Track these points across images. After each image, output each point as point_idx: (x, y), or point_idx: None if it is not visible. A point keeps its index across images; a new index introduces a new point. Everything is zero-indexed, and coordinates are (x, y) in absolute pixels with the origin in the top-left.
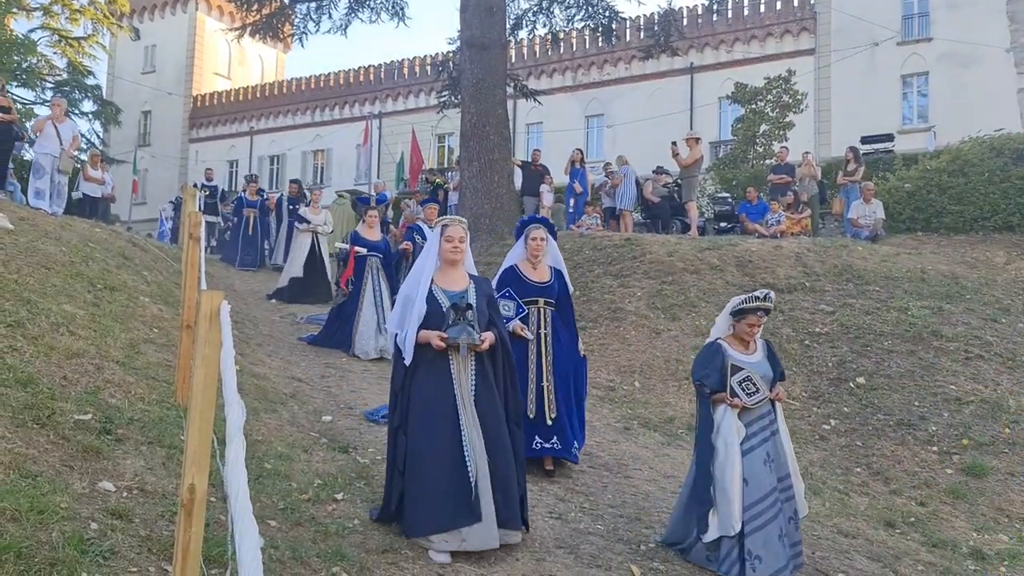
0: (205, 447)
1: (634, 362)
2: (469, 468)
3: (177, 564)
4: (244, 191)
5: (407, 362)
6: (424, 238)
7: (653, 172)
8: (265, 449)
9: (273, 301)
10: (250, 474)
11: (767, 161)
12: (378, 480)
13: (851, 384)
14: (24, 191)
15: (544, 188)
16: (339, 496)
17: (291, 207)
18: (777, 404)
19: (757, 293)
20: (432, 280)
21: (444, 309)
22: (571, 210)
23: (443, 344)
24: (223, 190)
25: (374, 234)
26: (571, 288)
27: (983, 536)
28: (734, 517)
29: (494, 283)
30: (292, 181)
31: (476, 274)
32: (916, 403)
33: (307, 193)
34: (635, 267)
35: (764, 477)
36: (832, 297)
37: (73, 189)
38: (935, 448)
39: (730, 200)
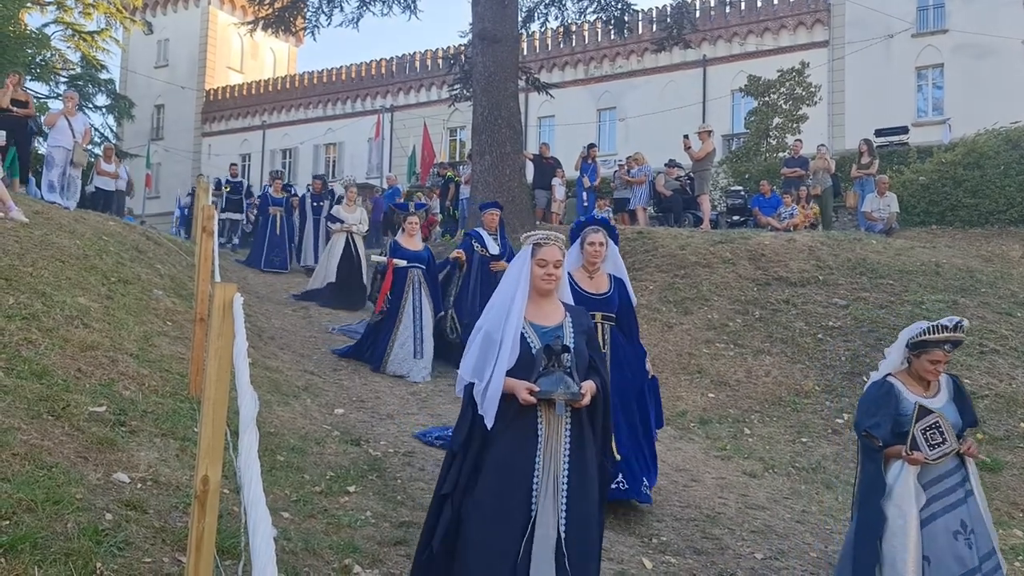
0: (218, 439)
1: None
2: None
3: (191, 555)
4: (269, 187)
5: (488, 425)
6: (484, 246)
7: (665, 165)
8: (278, 441)
9: (291, 298)
10: (263, 466)
11: (780, 154)
12: (390, 472)
13: (864, 378)
14: (39, 185)
15: (556, 182)
16: (351, 489)
17: (315, 204)
18: (968, 459)
19: (945, 321)
20: None
21: (534, 352)
22: (585, 204)
23: (532, 399)
24: (248, 186)
25: (414, 243)
26: (635, 300)
27: (998, 530)
28: None
29: None
30: (316, 177)
31: (571, 302)
32: None
33: (334, 189)
34: (647, 261)
35: (953, 555)
36: (846, 291)
37: (87, 183)
38: None
39: (743, 193)
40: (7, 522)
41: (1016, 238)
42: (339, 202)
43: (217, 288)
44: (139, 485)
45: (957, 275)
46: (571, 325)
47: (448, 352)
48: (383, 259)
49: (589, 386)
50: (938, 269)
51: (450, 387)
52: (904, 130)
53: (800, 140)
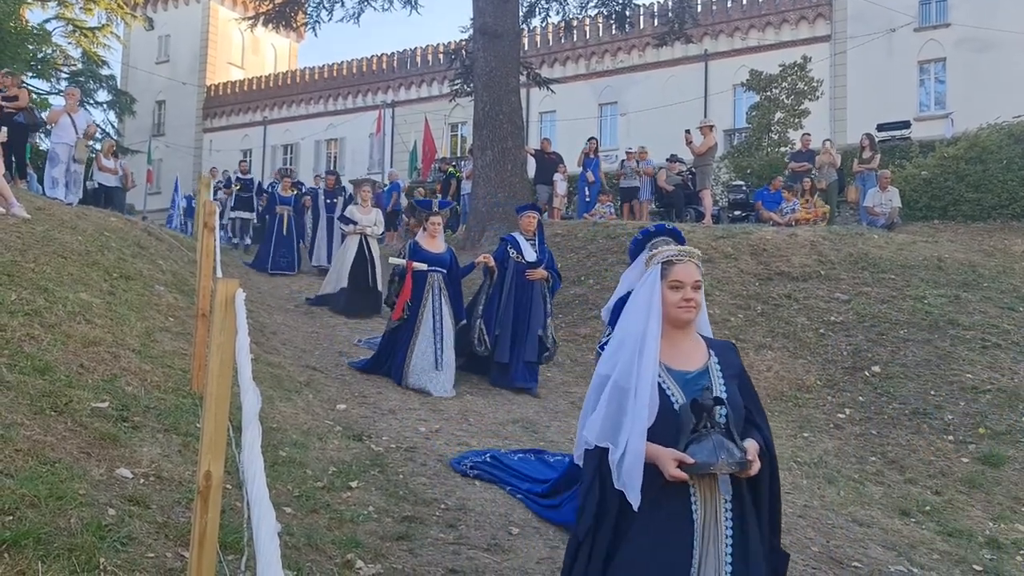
0: (221, 434)
1: None
2: None
3: (194, 550)
4: (277, 185)
5: (634, 504)
6: (520, 252)
7: (667, 160)
8: (280, 437)
9: (305, 301)
10: (265, 461)
11: (782, 149)
12: (392, 468)
13: (866, 373)
14: (40, 181)
15: (558, 177)
16: (354, 484)
17: (328, 201)
18: None
19: None
20: None
21: (677, 408)
22: (587, 199)
23: (682, 475)
24: (259, 183)
25: (436, 245)
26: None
27: (999, 525)
28: None
29: (606, 316)
30: (328, 172)
31: (711, 335)
32: (932, 392)
33: (347, 186)
34: None
35: None
36: (848, 286)
37: (88, 179)
38: (951, 437)
39: (744, 188)
40: (10, 517)
41: (1018, 232)
42: (351, 201)
43: (219, 283)
44: (142, 481)
45: (959, 270)
46: (718, 366)
47: (475, 361)
48: (402, 261)
49: (753, 448)
50: (940, 264)
51: (459, 387)
52: (906, 125)
53: (809, 135)
